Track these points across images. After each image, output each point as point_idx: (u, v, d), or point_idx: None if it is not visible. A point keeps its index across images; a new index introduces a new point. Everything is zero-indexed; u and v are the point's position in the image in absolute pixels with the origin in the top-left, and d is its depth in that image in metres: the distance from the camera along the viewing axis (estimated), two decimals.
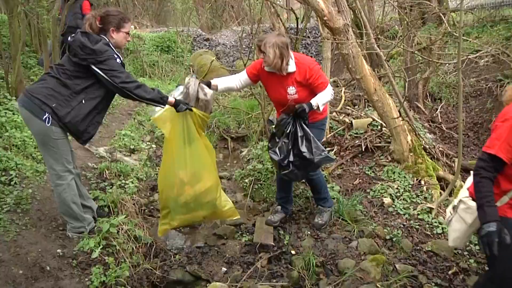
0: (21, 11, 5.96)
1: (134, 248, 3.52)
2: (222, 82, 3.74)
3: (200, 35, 13.91)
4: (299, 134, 3.51)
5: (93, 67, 3.07)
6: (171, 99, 3.30)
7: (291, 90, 3.55)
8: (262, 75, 3.69)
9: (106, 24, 3.22)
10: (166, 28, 14.56)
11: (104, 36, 3.21)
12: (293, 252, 3.65)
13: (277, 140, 3.60)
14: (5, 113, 4.93)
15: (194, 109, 3.40)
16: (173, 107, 3.31)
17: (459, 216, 2.62)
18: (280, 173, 3.69)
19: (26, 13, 6.16)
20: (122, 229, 3.51)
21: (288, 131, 3.54)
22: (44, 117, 3.03)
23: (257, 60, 3.78)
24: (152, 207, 4.53)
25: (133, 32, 11.94)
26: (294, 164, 3.52)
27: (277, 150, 3.57)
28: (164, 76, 10.82)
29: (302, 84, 3.54)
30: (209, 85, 3.63)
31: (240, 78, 3.78)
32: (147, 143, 5.83)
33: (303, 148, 3.48)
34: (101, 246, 3.26)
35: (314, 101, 3.48)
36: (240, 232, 4.08)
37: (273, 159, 3.61)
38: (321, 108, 3.52)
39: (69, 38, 3.18)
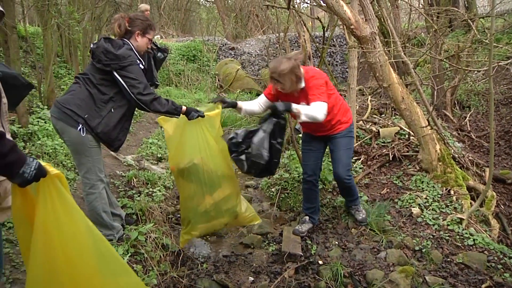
0: (55, 23, 6.12)
1: (161, 256, 3.55)
2: (246, 105, 3.79)
3: (225, 44, 14.03)
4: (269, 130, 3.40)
5: (115, 73, 3.10)
6: (183, 108, 3.32)
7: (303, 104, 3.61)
8: (280, 95, 3.68)
9: (134, 26, 3.27)
10: (191, 37, 14.74)
11: (127, 40, 3.26)
12: (320, 262, 3.62)
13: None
14: (38, 121, 5.07)
15: (207, 113, 3.39)
16: (185, 115, 3.33)
17: None
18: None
19: (58, 25, 6.33)
20: (150, 237, 3.54)
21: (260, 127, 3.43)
22: (79, 127, 3.08)
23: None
24: (179, 216, 4.55)
25: (159, 42, 12.13)
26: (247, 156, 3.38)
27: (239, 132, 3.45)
28: (190, 85, 10.94)
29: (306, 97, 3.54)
30: (235, 105, 3.67)
31: (259, 102, 3.82)
32: None
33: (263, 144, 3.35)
34: (129, 254, 3.28)
35: (296, 105, 3.40)
36: (267, 242, 4.07)
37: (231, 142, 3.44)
38: (302, 118, 3.38)
39: (91, 46, 3.24)
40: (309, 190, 4.02)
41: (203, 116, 3.38)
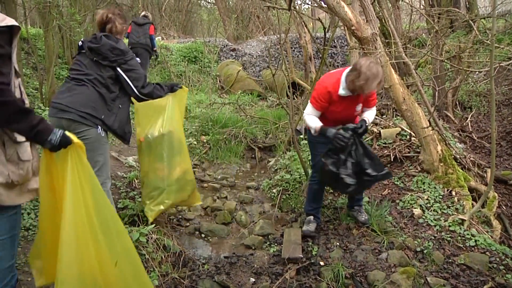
0: (56, 25, 6.13)
1: (163, 257, 3.55)
2: (318, 121, 3.76)
3: (226, 45, 14.04)
4: (361, 151, 3.56)
5: (119, 68, 3.25)
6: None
7: (359, 106, 3.70)
8: (335, 101, 3.61)
9: (126, 24, 3.46)
10: (193, 38, 14.76)
11: (117, 37, 3.37)
12: (321, 263, 3.61)
13: (343, 158, 3.57)
14: None
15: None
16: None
17: None
18: (335, 189, 3.84)
19: (60, 26, 6.34)
20: (151, 238, 3.54)
21: (352, 150, 3.57)
22: (98, 129, 3.16)
23: (320, 91, 3.62)
24: (180, 217, 4.57)
25: (160, 43, 12.16)
26: (358, 181, 3.54)
27: (349, 171, 3.55)
28: (191, 86, 10.95)
29: (364, 99, 3.68)
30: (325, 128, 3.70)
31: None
32: None
33: (366, 166, 3.54)
34: None
35: (367, 119, 3.67)
36: (268, 243, 4.07)
37: (344, 180, 3.55)
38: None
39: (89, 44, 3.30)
40: (319, 190, 4.01)
41: (181, 87, 3.79)
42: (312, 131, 3.74)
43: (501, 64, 5.54)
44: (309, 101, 3.76)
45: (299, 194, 4.71)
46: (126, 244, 2.26)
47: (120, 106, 3.32)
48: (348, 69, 3.55)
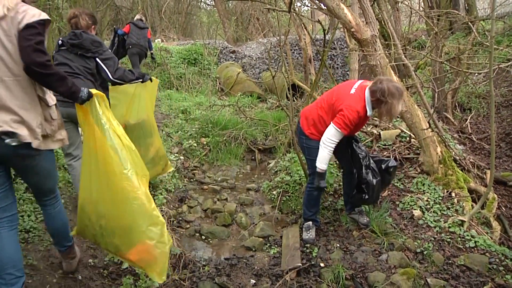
0: (56, 27, 6.14)
1: None
2: (328, 161, 3.80)
3: (226, 47, 14.05)
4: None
5: (98, 59, 3.72)
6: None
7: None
8: (360, 120, 3.63)
9: (93, 22, 3.89)
10: (192, 41, 14.77)
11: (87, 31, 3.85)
12: (322, 264, 3.62)
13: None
14: None
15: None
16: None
17: None
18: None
19: (59, 29, 6.35)
20: None
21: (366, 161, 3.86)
22: None
23: (351, 116, 3.49)
24: (180, 218, 4.57)
25: (160, 45, 12.17)
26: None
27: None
28: (190, 88, 10.96)
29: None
30: (324, 175, 3.83)
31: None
32: (175, 154, 5.91)
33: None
34: None
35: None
36: (268, 244, 4.08)
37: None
38: None
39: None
40: (317, 196, 4.01)
41: (151, 80, 4.21)
42: (317, 164, 3.65)
43: (500, 66, 5.54)
44: (333, 124, 3.55)
45: (299, 196, 4.71)
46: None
47: (107, 92, 3.83)
48: (369, 88, 3.56)
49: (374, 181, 3.79)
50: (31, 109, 2.39)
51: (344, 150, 3.94)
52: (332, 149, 3.59)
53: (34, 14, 2.34)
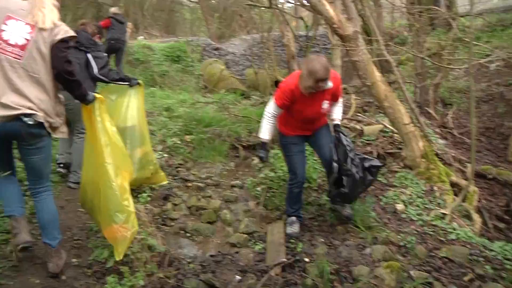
0: None
1: (148, 257, 3.54)
2: (269, 133, 3.87)
3: (209, 44, 14.01)
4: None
5: (89, 54, 4.36)
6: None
7: (325, 104, 3.73)
8: (297, 98, 3.67)
9: (98, 31, 4.82)
10: (175, 38, 14.68)
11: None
12: (307, 259, 3.64)
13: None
14: None
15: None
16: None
17: None
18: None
19: None
20: (136, 238, 3.52)
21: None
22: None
23: (283, 89, 3.72)
24: (165, 216, 4.55)
25: (142, 43, 12.08)
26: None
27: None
28: (174, 85, 10.91)
29: (332, 97, 3.77)
30: (265, 145, 3.91)
31: (275, 116, 3.83)
32: (159, 152, 5.87)
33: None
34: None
35: (338, 119, 3.96)
36: (253, 240, 4.08)
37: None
38: None
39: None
40: (300, 192, 4.04)
41: (139, 83, 4.50)
42: (258, 134, 3.90)
43: (480, 62, 5.64)
44: (272, 98, 3.82)
45: (284, 191, 4.72)
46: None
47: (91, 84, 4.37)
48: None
49: (357, 176, 3.78)
50: (48, 102, 2.92)
51: (325, 140, 3.94)
52: (270, 120, 3.80)
53: (67, 30, 2.93)
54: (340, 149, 3.83)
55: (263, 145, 3.88)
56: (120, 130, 4.01)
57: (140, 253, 3.47)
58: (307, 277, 3.44)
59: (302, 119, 3.81)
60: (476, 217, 4.44)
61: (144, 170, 4.51)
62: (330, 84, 3.57)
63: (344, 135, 3.89)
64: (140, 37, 13.86)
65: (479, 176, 5.39)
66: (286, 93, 3.67)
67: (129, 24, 9.79)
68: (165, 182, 4.87)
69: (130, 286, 3.10)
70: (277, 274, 3.54)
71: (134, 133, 4.45)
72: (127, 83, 4.44)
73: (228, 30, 17.93)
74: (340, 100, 3.96)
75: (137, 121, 4.46)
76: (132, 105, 4.43)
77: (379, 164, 3.96)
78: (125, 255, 3.36)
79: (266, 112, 3.81)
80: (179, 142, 6.34)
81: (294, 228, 4.01)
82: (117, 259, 3.13)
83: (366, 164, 3.86)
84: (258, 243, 4.02)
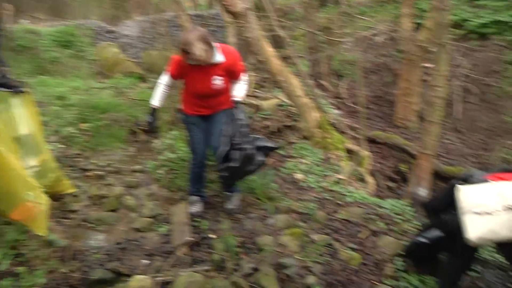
0: None
1: (48, 253, 3.36)
2: (159, 100, 3.82)
3: (102, 27, 13.36)
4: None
5: None
6: None
7: (217, 80, 3.64)
8: (185, 70, 3.64)
9: None
10: (64, 21, 13.81)
11: None
12: (213, 236, 3.68)
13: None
14: None
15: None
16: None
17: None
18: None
19: None
20: (31, 234, 3.33)
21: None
22: None
23: (172, 59, 3.75)
24: (64, 209, 4.33)
25: (27, 27, 11.25)
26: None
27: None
28: (66, 72, 10.30)
29: (227, 73, 3.66)
30: (154, 111, 3.82)
31: (168, 85, 3.81)
32: (53, 144, 5.54)
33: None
34: (10, 257, 3.09)
35: (239, 96, 3.78)
36: (157, 224, 4.04)
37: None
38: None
39: None
40: (201, 172, 4.04)
41: (22, 92, 3.84)
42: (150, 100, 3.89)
43: (364, 35, 5.98)
44: None
45: (186, 172, 4.71)
46: None
47: None
48: None
49: (249, 151, 3.68)
50: None
51: (217, 128, 3.89)
52: (161, 88, 3.82)
53: None
54: (234, 124, 3.77)
55: (152, 111, 3.86)
56: (13, 140, 3.74)
57: (39, 250, 3.30)
58: (214, 253, 3.49)
59: (196, 95, 3.79)
60: (369, 179, 4.78)
61: (44, 179, 4.10)
62: (218, 58, 3.56)
63: (241, 111, 3.83)
64: (24, 21, 12.84)
65: (371, 141, 5.79)
66: (174, 62, 3.69)
67: (6, 6, 8.99)
68: (71, 191, 4.39)
69: (29, 286, 2.93)
70: (185, 254, 3.56)
71: (29, 142, 4.03)
72: (9, 89, 3.76)
73: (122, 12, 17.21)
74: (243, 77, 3.87)
75: (30, 130, 4.03)
76: (20, 114, 3.97)
77: (272, 145, 3.90)
78: (21, 255, 3.18)
79: (158, 81, 3.84)
80: (74, 131, 6.03)
81: (197, 207, 4.02)
82: (42, 234, 3.21)
83: (259, 144, 3.78)
84: (162, 225, 3.97)
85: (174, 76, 3.76)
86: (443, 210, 2.89)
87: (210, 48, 3.45)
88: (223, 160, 3.75)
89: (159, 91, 3.83)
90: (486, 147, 7.44)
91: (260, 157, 3.76)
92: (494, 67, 9.20)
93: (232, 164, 3.67)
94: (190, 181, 4.13)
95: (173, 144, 5.27)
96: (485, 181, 2.61)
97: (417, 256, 3.31)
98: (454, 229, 2.65)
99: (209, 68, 3.59)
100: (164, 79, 3.81)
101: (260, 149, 3.76)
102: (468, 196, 2.55)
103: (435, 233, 3.14)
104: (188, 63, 3.55)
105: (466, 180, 2.74)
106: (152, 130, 4.11)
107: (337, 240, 3.55)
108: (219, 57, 3.55)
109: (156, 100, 3.83)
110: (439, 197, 3.18)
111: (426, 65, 7.07)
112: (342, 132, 5.43)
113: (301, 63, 7.32)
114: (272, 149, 3.93)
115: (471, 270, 3.27)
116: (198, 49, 3.38)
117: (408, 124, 7.29)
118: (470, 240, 2.49)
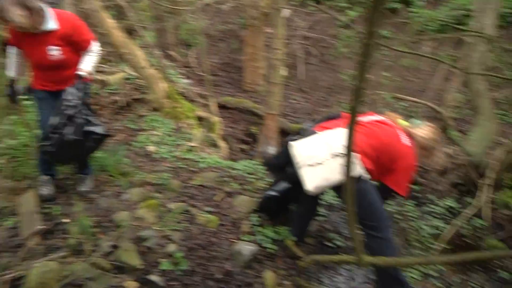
0: None
1: None
2: (14, 70, 3.50)
3: None
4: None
5: None
6: None
7: (53, 50, 3.31)
8: (19, 38, 3.30)
9: None
10: None
11: None
12: (66, 220, 3.53)
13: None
14: None
15: None
16: None
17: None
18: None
19: None
20: None
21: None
22: None
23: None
24: None
25: None
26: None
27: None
28: None
29: (66, 43, 3.34)
30: (12, 82, 3.49)
31: (16, 54, 3.47)
32: None
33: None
34: None
35: (83, 70, 3.44)
36: (2, 217, 3.74)
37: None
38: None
39: None
40: (48, 157, 3.78)
41: None
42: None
43: (209, 2, 6.05)
44: None
45: (30, 158, 4.39)
46: None
47: None
48: None
49: (70, 136, 3.39)
50: None
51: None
52: (9, 56, 3.51)
53: None
54: (60, 105, 3.43)
55: (10, 82, 3.52)
56: None
57: None
58: (69, 238, 3.36)
59: (37, 67, 3.50)
60: (222, 144, 4.96)
61: None
62: (51, 25, 3.25)
63: (76, 88, 3.47)
64: None
65: (222, 107, 5.96)
66: (10, 29, 3.35)
67: None
68: None
69: None
70: (37, 244, 3.37)
71: None
72: None
73: None
74: (93, 48, 3.52)
75: None
76: None
77: (101, 132, 3.55)
78: None
79: (8, 50, 3.49)
80: None
81: (48, 189, 3.76)
82: None
83: (87, 128, 3.48)
84: (9, 218, 3.69)
85: (12, 45, 3.44)
86: (285, 165, 3.15)
87: (33, 14, 3.11)
88: (42, 141, 3.48)
89: (11, 61, 3.51)
90: (327, 103, 8.13)
91: (90, 143, 3.53)
92: (330, 31, 10.01)
93: (49, 148, 3.42)
94: (39, 160, 3.85)
95: (12, 130, 4.84)
96: (314, 132, 2.89)
97: (270, 209, 3.57)
98: (296, 181, 2.90)
99: (43, 36, 3.27)
100: (10, 48, 3.49)
101: (88, 133, 3.48)
102: (300, 151, 2.80)
103: (283, 185, 3.42)
104: (19, 31, 3.23)
105: (300, 134, 3.01)
106: (14, 101, 3.64)
107: (193, 206, 3.65)
108: (51, 24, 3.23)
109: (9, 70, 3.51)
110: (278, 155, 3.42)
111: (268, 30, 7.40)
112: (192, 101, 5.50)
113: (147, 34, 7.17)
114: (102, 136, 3.60)
115: (318, 215, 3.64)
116: (16, 16, 3.05)
117: (257, 88, 7.63)
118: (309, 191, 2.77)
